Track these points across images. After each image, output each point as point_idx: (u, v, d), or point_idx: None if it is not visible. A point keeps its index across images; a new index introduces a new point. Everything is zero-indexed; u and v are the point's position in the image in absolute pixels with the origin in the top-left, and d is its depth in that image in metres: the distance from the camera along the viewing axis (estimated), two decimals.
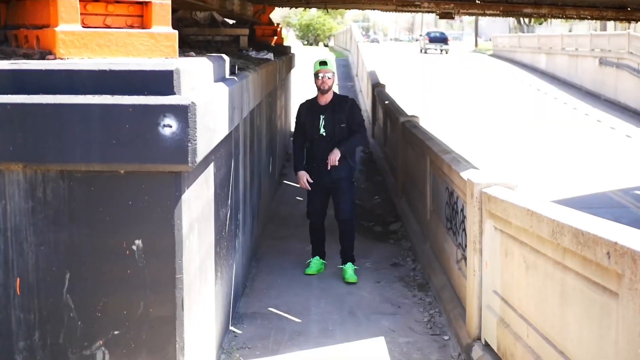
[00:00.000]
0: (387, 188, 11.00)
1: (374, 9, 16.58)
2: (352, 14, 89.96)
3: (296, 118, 7.20)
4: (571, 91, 34.07)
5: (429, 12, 16.90)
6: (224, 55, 5.32)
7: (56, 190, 3.62)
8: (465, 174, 5.61)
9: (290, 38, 61.84)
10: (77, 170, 3.60)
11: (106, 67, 3.62)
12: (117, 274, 3.65)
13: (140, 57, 4.01)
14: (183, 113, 3.51)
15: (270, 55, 9.48)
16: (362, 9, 19.93)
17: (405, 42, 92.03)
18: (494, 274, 4.76)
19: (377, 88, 15.08)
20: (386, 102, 12.46)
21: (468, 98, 29.41)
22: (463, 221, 5.80)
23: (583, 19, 17.90)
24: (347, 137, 6.95)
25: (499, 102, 28.64)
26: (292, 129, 16.82)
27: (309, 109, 7.05)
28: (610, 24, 48.38)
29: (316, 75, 6.94)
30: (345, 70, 34.42)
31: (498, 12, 16.33)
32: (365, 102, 19.14)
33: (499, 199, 4.54)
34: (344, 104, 7.04)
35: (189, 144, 3.53)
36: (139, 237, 3.63)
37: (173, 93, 3.57)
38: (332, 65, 7.00)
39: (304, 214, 9.97)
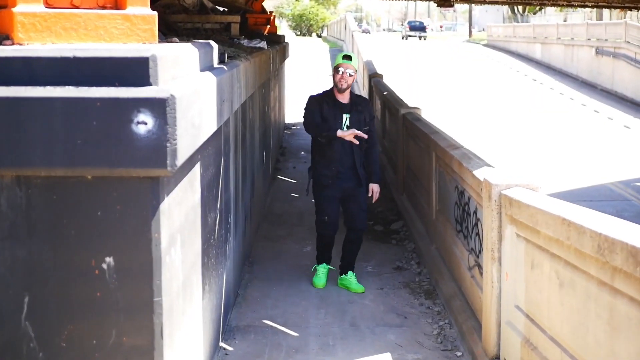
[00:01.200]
0: (387, 183, 10.46)
1: None
2: (345, 5, 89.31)
3: (310, 109, 6.24)
4: (567, 81, 33.69)
5: None
6: (212, 42, 4.76)
7: (12, 200, 3.06)
8: (479, 173, 5.08)
9: (283, 28, 61.23)
10: (37, 176, 3.05)
11: (70, 54, 3.06)
12: (84, 297, 3.11)
13: (113, 42, 3.44)
14: (160, 107, 2.96)
15: (264, 44, 8.92)
16: None
17: (399, 32, 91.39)
18: (516, 287, 4.23)
19: (374, 78, 14.51)
20: (384, 92, 11.92)
21: (463, 89, 28.91)
22: (476, 224, 5.27)
23: (585, 6, 17.42)
24: (369, 159, 6.32)
25: (495, 93, 28.18)
26: (286, 122, 16.33)
27: (330, 104, 6.21)
28: (606, 13, 47.97)
29: (336, 69, 6.17)
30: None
31: None
32: (361, 93, 18.59)
33: (523, 203, 4.01)
34: (365, 105, 6.37)
35: (168, 144, 2.97)
36: (110, 254, 3.09)
37: (149, 84, 3.02)
38: (356, 62, 6.21)
39: (300, 211, 9.45)
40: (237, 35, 8.98)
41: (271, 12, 14.92)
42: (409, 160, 9.00)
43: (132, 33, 3.50)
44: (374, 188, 6.39)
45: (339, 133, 6.07)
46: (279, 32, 21.62)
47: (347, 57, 6.17)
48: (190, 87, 3.36)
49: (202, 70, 4.12)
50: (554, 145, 17.19)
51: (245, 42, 8.72)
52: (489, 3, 16.64)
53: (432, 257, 6.82)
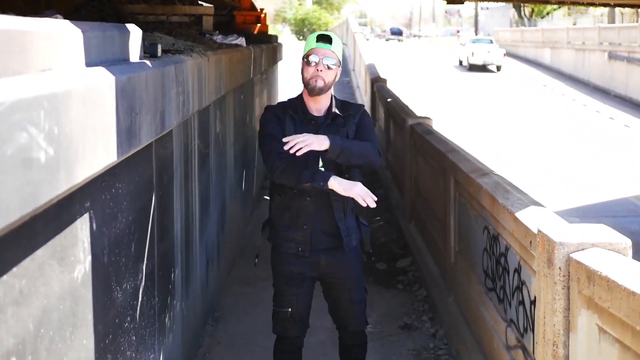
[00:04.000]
0: (391, 205, 8.89)
1: None
2: (348, 10, 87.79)
3: (266, 131, 3.74)
4: (578, 87, 32.33)
5: None
6: (130, 26, 3.19)
7: None
8: (527, 218, 3.50)
9: (286, 33, 59.75)
10: None
11: None
12: None
13: None
14: None
15: (242, 41, 7.36)
16: None
17: (404, 37, 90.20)
18: None
19: (377, 83, 12.96)
20: (388, 99, 10.36)
21: (471, 94, 27.43)
22: (520, 288, 3.69)
23: (607, 5, 15.91)
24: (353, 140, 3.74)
25: (503, 99, 26.66)
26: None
27: (297, 119, 3.77)
28: (618, 17, 46.37)
29: (306, 58, 3.74)
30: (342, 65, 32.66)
31: None
32: (363, 99, 17.05)
33: (616, 284, 2.42)
34: (351, 115, 3.83)
35: None
36: None
37: None
38: (339, 48, 3.78)
39: None
40: (210, 30, 7.42)
41: (262, 9, 13.37)
42: (419, 181, 7.42)
43: None
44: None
45: (333, 183, 3.52)
46: (281, 38, 20.10)
47: (324, 39, 3.73)
48: (16, 94, 1.78)
49: (95, 64, 2.55)
50: (569, 155, 15.74)
51: (219, 38, 7.16)
52: (503, 0, 15.10)
53: (451, 314, 5.23)
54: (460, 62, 38.81)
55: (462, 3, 14.00)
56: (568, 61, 37.53)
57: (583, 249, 2.84)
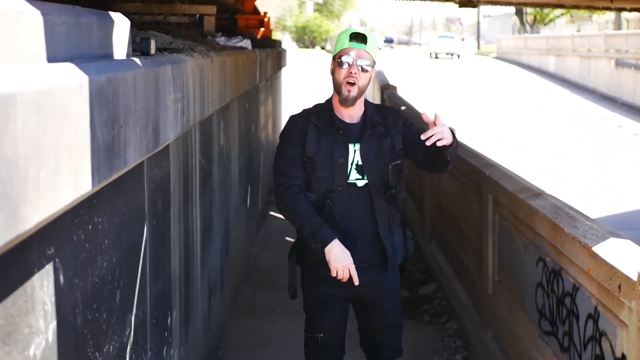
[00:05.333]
0: (407, 222, 8.18)
1: None
2: (348, 17, 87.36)
3: (284, 148, 3.33)
4: (584, 94, 31.77)
5: (448, 0, 14.18)
6: (115, 14, 2.50)
7: None
8: (609, 253, 2.81)
9: (286, 42, 59.15)
10: None
11: None
12: None
13: None
14: None
15: (247, 44, 6.69)
16: None
17: (403, 45, 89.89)
18: None
19: (387, 90, 12.29)
20: (402, 107, 9.67)
21: (476, 101, 26.81)
22: (597, 339, 2.99)
23: (623, 10, 15.32)
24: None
25: (510, 107, 26.04)
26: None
27: (324, 127, 3.30)
28: (624, 23, 45.77)
29: (337, 59, 3.27)
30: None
31: (529, 0, 13.63)
32: None
33: None
34: (394, 120, 3.37)
35: None
36: None
37: None
38: (373, 46, 3.30)
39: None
40: (212, 31, 6.74)
41: (265, 13, 12.71)
42: (442, 197, 6.73)
43: None
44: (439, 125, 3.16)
45: (328, 250, 3.12)
46: (281, 42, 19.47)
47: (358, 38, 3.23)
48: None
49: (62, 59, 1.87)
50: (581, 163, 15.08)
51: (222, 40, 6.49)
52: (515, 4, 14.51)
53: (491, 355, 4.53)
54: (430, 54, 51.97)
55: (476, 6, 13.35)
56: (573, 69, 36.97)
57: None
